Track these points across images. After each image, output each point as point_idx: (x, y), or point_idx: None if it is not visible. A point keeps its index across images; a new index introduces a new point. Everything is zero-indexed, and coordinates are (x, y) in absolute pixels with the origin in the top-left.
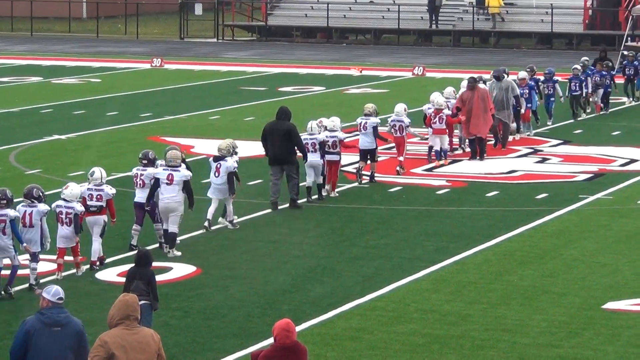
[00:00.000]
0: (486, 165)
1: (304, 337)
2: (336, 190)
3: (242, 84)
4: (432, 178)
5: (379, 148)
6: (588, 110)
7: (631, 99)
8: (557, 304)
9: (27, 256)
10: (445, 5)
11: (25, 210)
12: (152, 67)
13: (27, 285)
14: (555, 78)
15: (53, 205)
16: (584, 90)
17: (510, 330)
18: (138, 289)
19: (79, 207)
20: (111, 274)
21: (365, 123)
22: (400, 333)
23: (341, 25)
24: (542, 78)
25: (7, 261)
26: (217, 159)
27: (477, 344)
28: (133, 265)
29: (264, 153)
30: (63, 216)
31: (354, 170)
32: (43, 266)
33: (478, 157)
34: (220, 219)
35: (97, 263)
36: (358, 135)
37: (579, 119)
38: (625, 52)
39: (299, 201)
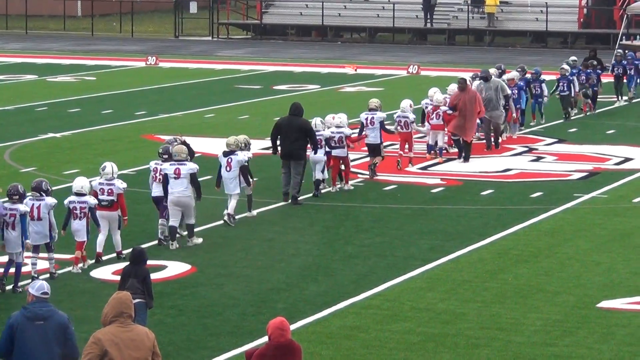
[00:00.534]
0: (481, 164)
1: (299, 336)
2: (348, 184)
3: (237, 82)
4: (427, 176)
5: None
6: (576, 110)
7: (619, 98)
8: (552, 303)
9: (27, 254)
10: (440, 3)
11: (34, 204)
12: (147, 65)
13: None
14: (542, 77)
15: (66, 201)
16: (573, 90)
17: (504, 329)
18: (133, 287)
19: (92, 201)
20: (106, 272)
21: (372, 118)
22: (395, 331)
23: (336, 23)
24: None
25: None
26: (227, 153)
27: (471, 343)
28: (128, 263)
29: (270, 149)
30: (77, 211)
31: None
32: (42, 264)
33: (462, 158)
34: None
35: (123, 254)
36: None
37: (569, 119)
38: (619, 52)
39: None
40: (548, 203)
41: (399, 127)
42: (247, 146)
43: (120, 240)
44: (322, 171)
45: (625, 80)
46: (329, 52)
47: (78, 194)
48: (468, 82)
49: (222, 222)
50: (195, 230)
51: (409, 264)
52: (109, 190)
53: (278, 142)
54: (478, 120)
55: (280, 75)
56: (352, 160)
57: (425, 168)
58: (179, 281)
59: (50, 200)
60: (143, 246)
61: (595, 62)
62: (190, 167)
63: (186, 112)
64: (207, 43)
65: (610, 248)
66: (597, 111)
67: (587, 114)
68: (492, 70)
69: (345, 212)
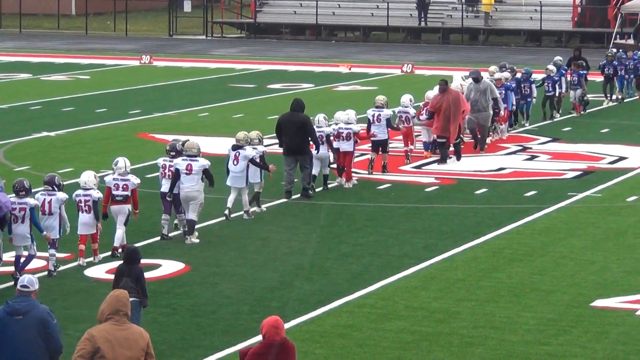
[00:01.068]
0: (475, 163)
1: (293, 334)
2: (350, 182)
3: (231, 81)
4: (421, 175)
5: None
6: (562, 111)
7: (609, 99)
8: (546, 302)
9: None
10: (434, 2)
11: (45, 198)
12: (141, 64)
13: (46, 272)
14: (532, 78)
15: (73, 194)
16: (558, 91)
17: (498, 328)
18: (127, 286)
19: (97, 194)
20: (100, 271)
21: (379, 115)
22: (389, 330)
23: (330, 22)
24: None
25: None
26: (235, 147)
27: (465, 341)
28: (121, 262)
29: (277, 145)
30: (82, 204)
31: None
32: (34, 262)
33: (445, 160)
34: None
35: (119, 249)
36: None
37: (554, 119)
38: (610, 52)
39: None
40: (542, 202)
41: (399, 122)
42: (260, 142)
43: (122, 236)
44: (329, 166)
45: (616, 81)
46: (323, 51)
47: (84, 188)
48: (449, 84)
49: (216, 220)
50: (171, 235)
51: (403, 262)
52: (124, 186)
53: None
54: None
55: (274, 74)
56: (357, 156)
57: (419, 167)
58: (173, 280)
59: (62, 195)
60: (138, 244)
61: (584, 63)
62: (202, 163)
63: (180, 110)
64: (201, 42)
65: (604, 247)
66: (588, 111)
67: (580, 113)
68: (493, 68)
69: (340, 211)
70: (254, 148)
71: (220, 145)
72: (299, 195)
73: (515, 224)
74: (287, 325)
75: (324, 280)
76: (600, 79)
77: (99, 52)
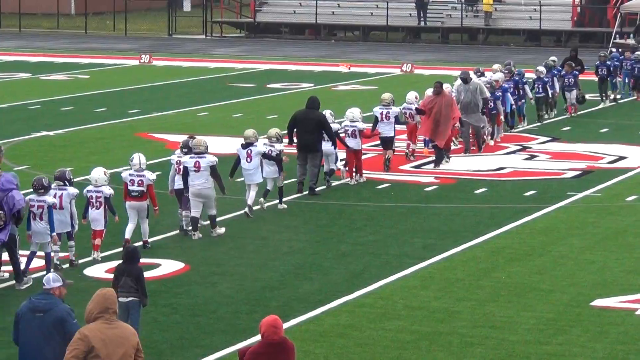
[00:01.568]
0: (474, 162)
1: (292, 334)
2: (357, 177)
3: (230, 81)
4: (421, 175)
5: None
6: (555, 112)
7: (604, 99)
8: (545, 301)
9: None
10: (433, 2)
11: (56, 193)
12: (140, 64)
13: (44, 272)
14: (525, 79)
15: (84, 190)
16: (550, 92)
17: (498, 327)
18: (126, 285)
19: (108, 191)
20: (99, 270)
21: (387, 112)
22: (389, 330)
23: (329, 21)
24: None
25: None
26: (245, 145)
27: (465, 341)
28: (121, 261)
29: (288, 140)
30: (93, 200)
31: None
32: (34, 262)
33: (436, 163)
34: (260, 200)
35: (148, 243)
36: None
37: (544, 121)
38: (603, 52)
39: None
40: (542, 202)
41: (403, 119)
42: (278, 140)
43: (147, 230)
44: (335, 162)
45: (608, 82)
46: (323, 51)
47: (95, 185)
48: (444, 87)
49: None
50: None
51: (402, 262)
52: (139, 182)
53: (294, 134)
54: (458, 125)
55: (273, 73)
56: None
57: (418, 167)
58: (173, 279)
59: (73, 190)
60: (137, 244)
61: (573, 64)
62: (210, 159)
63: (180, 110)
64: (200, 41)
65: (603, 246)
66: (587, 111)
67: (571, 115)
68: (496, 66)
69: (339, 210)
70: (271, 145)
71: (219, 144)
72: (295, 195)
73: (514, 224)
74: (286, 325)
75: (324, 280)
76: (585, 77)
77: (98, 51)
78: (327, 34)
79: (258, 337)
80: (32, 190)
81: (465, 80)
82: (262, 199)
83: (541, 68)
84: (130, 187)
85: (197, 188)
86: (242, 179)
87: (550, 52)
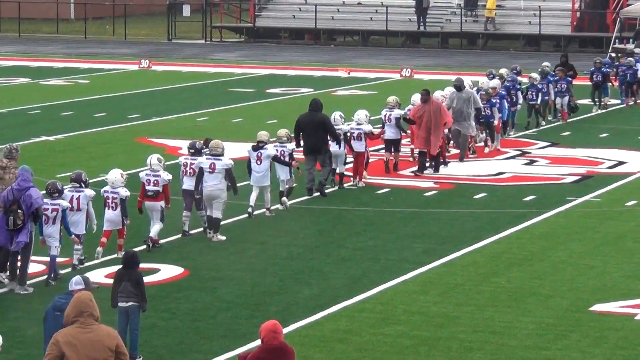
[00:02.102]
0: (474, 168)
1: (292, 339)
2: (362, 180)
3: (230, 86)
4: (420, 180)
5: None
6: (549, 118)
7: (598, 106)
8: (545, 306)
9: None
10: (433, 7)
11: (73, 195)
12: (140, 69)
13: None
14: (518, 85)
15: (101, 191)
16: (544, 98)
17: (498, 333)
18: (126, 290)
19: (124, 192)
20: (99, 276)
21: (390, 115)
22: (388, 335)
23: (329, 26)
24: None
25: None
26: (256, 148)
27: (464, 346)
28: (121, 267)
29: (295, 144)
30: (109, 201)
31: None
32: (34, 267)
33: (423, 170)
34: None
35: (158, 242)
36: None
37: (541, 127)
38: (598, 59)
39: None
40: (541, 206)
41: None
42: (288, 140)
43: (158, 230)
44: (344, 164)
45: (602, 88)
46: (322, 55)
47: (111, 186)
48: (432, 94)
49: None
50: (191, 232)
51: (402, 267)
52: (155, 182)
53: (301, 138)
54: (446, 131)
55: (273, 78)
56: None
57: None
58: (172, 284)
59: (89, 192)
60: (137, 249)
61: (564, 69)
62: (226, 162)
63: (179, 115)
64: (200, 46)
65: (603, 251)
66: (582, 117)
67: (566, 121)
68: (503, 71)
69: (339, 215)
70: (282, 146)
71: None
72: (297, 199)
73: (514, 229)
74: (286, 330)
75: (323, 285)
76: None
77: (98, 56)
78: (326, 39)
79: (258, 342)
80: (45, 194)
81: (459, 87)
82: (284, 198)
83: (534, 75)
84: (147, 187)
85: (209, 189)
86: (239, 184)
87: (549, 57)
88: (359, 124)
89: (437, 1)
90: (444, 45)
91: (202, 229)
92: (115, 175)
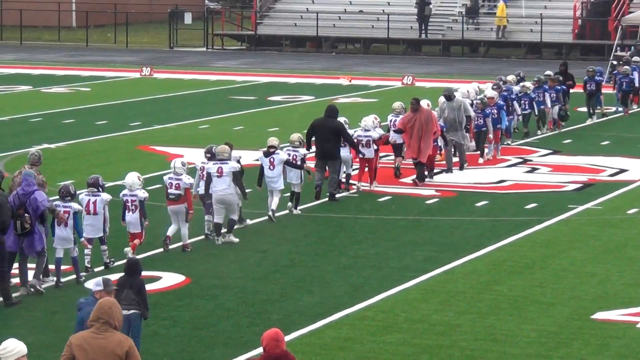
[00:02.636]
0: (475, 175)
1: (293, 347)
2: (373, 184)
3: (231, 93)
4: (422, 188)
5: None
6: (545, 128)
7: (593, 115)
8: (547, 314)
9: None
10: (434, 14)
11: (89, 199)
12: (141, 76)
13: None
14: (514, 95)
15: (120, 194)
16: (541, 107)
17: (499, 341)
18: (128, 298)
19: (142, 194)
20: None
21: (396, 120)
22: (389, 343)
23: (331, 34)
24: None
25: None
26: (268, 153)
27: (466, 354)
28: (123, 274)
29: (306, 148)
30: (129, 204)
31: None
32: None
33: (419, 179)
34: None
35: (189, 246)
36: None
37: (539, 136)
38: (591, 68)
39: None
40: (543, 214)
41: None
42: (301, 144)
43: (187, 234)
44: (351, 167)
45: (596, 97)
46: (324, 63)
47: (129, 189)
48: (422, 103)
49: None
50: (191, 240)
51: (403, 275)
52: (177, 185)
53: (312, 141)
54: (441, 144)
55: (274, 86)
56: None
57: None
58: (174, 292)
59: (106, 196)
60: (139, 256)
61: (560, 78)
62: (232, 165)
63: (181, 123)
64: (201, 54)
65: (604, 259)
66: (577, 126)
67: (561, 130)
68: (511, 78)
69: (340, 223)
70: (294, 150)
71: None
72: (300, 206)
73: (515, 237)
74: (287, 338)
75: (324, 293)
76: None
77: (99, 64)
78: (328, 47)
79: (259, 350)
80: (57, 197)
81: (449, 97)
82: (290, 204)
83: (528, 84)
84: (169, 190)
85: (219, 194)
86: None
87: (551, 65)
88: (366, 130)
89: (438, 9)
90: (445, 53)
91: (203, 236)
92: (133, 178)
